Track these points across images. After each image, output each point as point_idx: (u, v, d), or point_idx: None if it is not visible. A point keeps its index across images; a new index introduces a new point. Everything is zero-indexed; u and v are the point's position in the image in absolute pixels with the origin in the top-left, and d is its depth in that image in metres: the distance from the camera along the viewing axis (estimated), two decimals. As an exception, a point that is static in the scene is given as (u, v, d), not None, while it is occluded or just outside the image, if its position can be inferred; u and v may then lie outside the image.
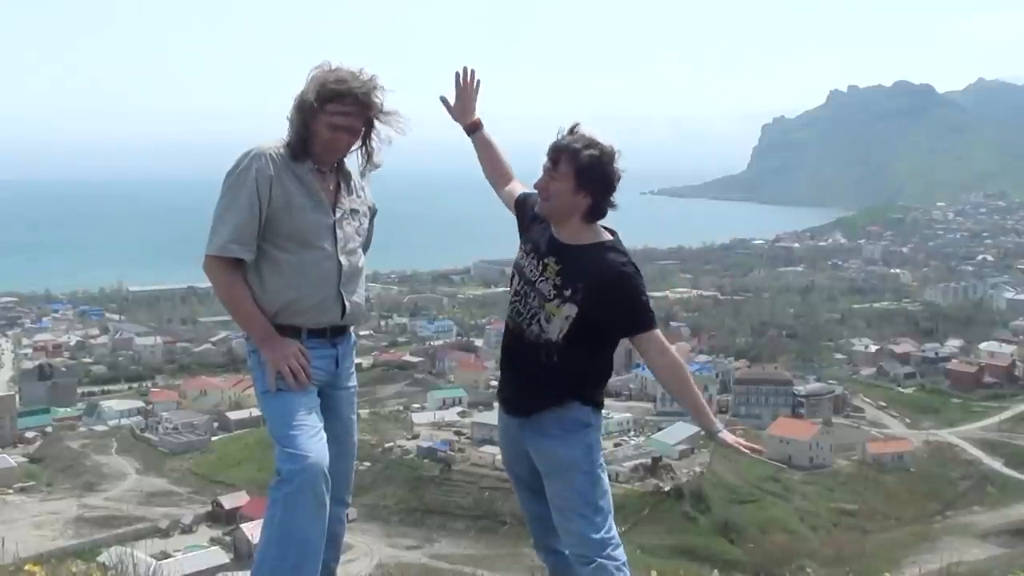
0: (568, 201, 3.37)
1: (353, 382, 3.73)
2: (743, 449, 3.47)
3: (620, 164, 3.39)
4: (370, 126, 3.49)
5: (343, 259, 3.49)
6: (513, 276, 3.57)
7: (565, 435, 3.44)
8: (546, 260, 3.44)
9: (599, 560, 3.37)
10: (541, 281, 3.42)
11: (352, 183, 3.62)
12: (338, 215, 3.50)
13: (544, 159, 3.41)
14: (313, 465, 3.24)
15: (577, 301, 3.34)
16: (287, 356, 3.36)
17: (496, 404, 3.79)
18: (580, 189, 3.34)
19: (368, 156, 3.56)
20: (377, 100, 3.42)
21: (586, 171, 3.31)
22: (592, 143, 3.33)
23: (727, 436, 3.45)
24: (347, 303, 3.51)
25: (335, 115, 3.36)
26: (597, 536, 3.39)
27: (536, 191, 3.50)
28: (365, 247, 3.69)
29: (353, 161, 3.62)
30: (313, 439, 3.29)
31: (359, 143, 3.53)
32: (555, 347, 3.39)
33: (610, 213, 3.53)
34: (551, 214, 3.44)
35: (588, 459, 3.45)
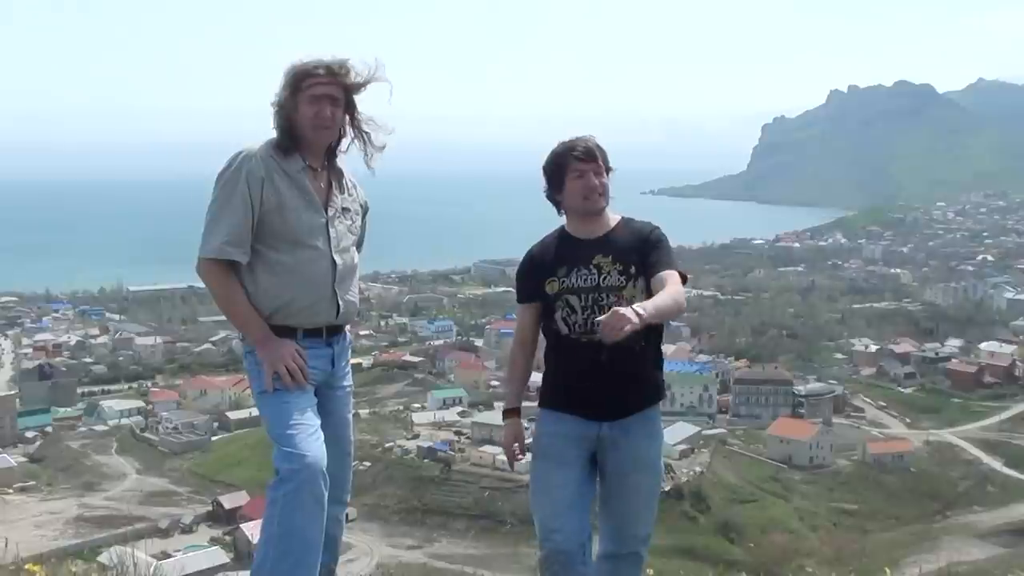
0: (609, 192, 3.68)
1: (349, 381, 3.73)
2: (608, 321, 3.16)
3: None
4: (352, 106, 3.49)
5: (337, 258, 3.48)
6: (563, 304, 3.58)
7: (650, 435, 3.70)
8: (594, 262, 3.59)
9: (640, 554, 3.78)
10: (604, 279, 3.57)
11: (344, 181, 3.61)
12: (330, 213, 3.49)
13: (572, 163, 3.59)
14: (311, 464, 3.24)
15: (644, 273, 3.56)
16: (284, 356, 3.36)
17: (536, 408, 3.79)
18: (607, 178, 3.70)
19: (366, 138, 3.52)
20: (352, 71, 3.42)
21: (607, 160, 3.68)
22: (590, 136, 3.69)
23: (621, 312, 3.15)
24: (341, 302, 3.51)
25: (311, 88, 3.37)
26: (649, 533, 3.80)
27: (595, 199, 3.61)
28: (358, 245, 3.68)
29: (345, 160, 3.61)
30: (311, 438, 3.29)
31: (350, 134, 3.53)
32: (641, 329, 3.50)
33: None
34: (602, 208, 3.66)
35: (660, 462, 3.77)
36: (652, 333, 3.58)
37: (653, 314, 3.23)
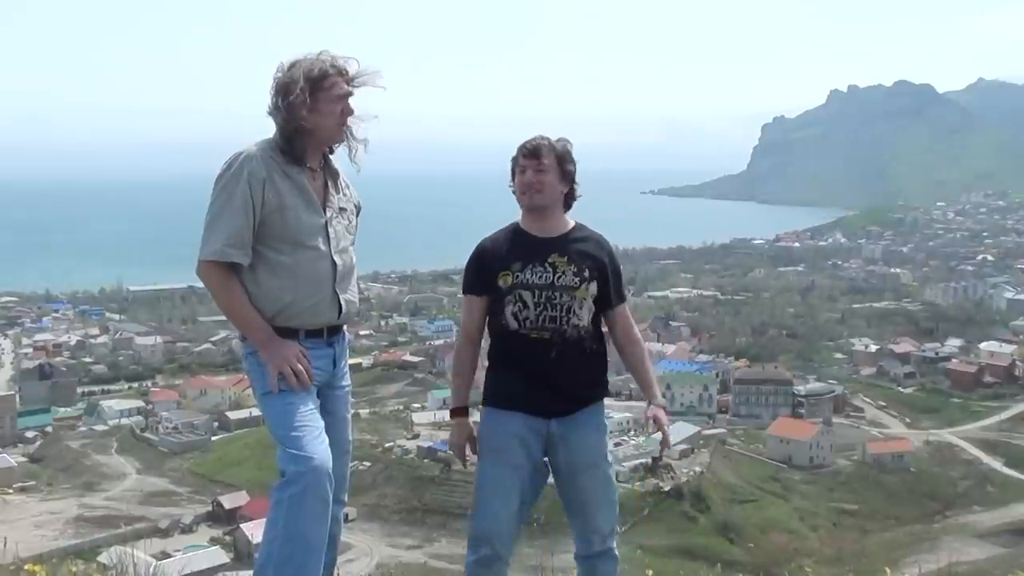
0: (556, 191, 3.65)
1: (347, 381, 3.73)
2: (661, 433, 3.75)
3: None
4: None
5: (337, 258, 3.48)
6: (515, 299, 3.62)
7: (597, 428, 3.78)
8: (549, 260, 3.63)
9: (613, 551, 3.80)
10: (559, 277, 3.62)
11: (339, 181, 3.61)
12: (328, 214, 3.49)
13: (520, 159, 3.64)
14: (318, 467, 3.23)
15: (595, 278, 3.65)
16: (288, 357, 3.34)
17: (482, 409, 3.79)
18: (562, 178, 3.66)
19: (348, 132, 3.49)
20: (349, 67, 3.43)
21: (565, 160, 3.65)
22: (559, 138, 3.68)
23: (660, 414, 3.74)
24: (342, 302, 3.51)
25: (334, 87, 3.37)
26: (613, 526, 3.81)
27: (531, 194, 3.63)
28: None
29: (338, 158, 3.62)
30: (316, 440, 3.28)
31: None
32: (590, 332, 3.66)
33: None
34: (542, 205, 3.66)
35: (608, 453, 3.82)
36: (598, 332, 3.72)
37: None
